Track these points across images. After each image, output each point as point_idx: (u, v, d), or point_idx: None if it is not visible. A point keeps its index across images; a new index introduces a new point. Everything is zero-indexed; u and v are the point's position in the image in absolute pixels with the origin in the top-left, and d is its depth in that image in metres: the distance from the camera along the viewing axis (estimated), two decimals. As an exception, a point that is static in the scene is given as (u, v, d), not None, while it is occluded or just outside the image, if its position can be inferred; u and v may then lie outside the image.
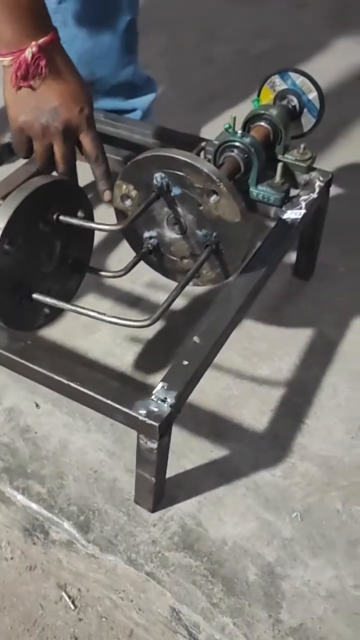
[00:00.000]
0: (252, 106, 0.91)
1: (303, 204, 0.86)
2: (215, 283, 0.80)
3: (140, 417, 0.62)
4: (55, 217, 0.69)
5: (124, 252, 1.09)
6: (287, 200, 0.87)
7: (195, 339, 0.69)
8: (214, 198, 0.70)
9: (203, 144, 0.88)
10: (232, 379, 0.91)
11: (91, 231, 0.78)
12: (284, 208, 0.86)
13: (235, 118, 0.88)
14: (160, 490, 0.74)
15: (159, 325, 0.98)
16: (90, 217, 0.76)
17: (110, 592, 0.75)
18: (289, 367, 0.93)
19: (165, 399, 0.64)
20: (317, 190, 0.89)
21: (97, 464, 0.81)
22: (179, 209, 0.74)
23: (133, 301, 1.02)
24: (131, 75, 1.14)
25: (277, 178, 0.86)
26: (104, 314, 0.66)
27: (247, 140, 0.84)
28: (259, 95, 0.96)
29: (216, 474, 0.80)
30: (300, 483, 0.79)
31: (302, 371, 0.92)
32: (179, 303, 1.01)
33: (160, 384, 0.65)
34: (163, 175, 0.71)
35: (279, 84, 0.95)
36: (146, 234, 0.79)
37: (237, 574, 0.71)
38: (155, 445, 0.64)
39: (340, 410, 0.87)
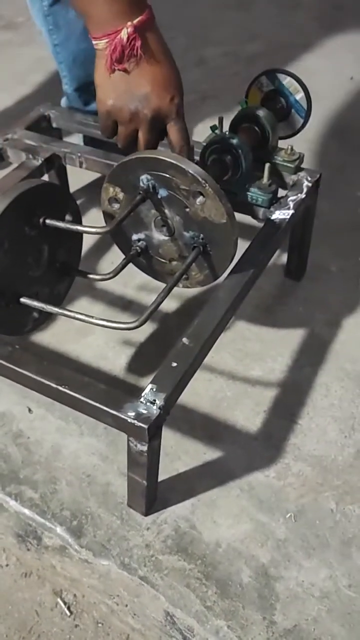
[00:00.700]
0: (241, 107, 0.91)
1: (291, 204, 0.86)
2: (204, 284, 0.79)
3: (129, 420, 0.62)
4: (41, 220, 0.69)
5: (115, 256, 1.09)
6: (275, 201, 0.87)
7: (184, 340, 0.68)
8: (200, 199, 0.70)
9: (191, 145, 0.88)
10: (225, 380, 0.90)
11: (79, 234, 0.78)
12: (272, 209, 0.86)
13: (222, 119, 0.88)
14: (153, 493, 0.74)
15: (151, 328, 0.98)
16: (78, 220, 0.76)
17: (105, 598, 0.74)
18: (281, 367, 0.92)
19: (154, 401, 0.63)
20: (305, 190, 0.89)
21: (90, 468, 0.81)
22: (166, 211, 0.74)
23: (125, 304, 1.02)
24: None
25: (265, 179, 0.86)
26: (92, 317, 0.66)
27: (234, 141, 0.84)
28: (246, 96, 0.96)
29: (210, 476, 0.80)
30: (294, 483, 0.79)
31: (295, 371, 0.92)
32: (172, 305, 1.01)
33: (149, 386, 0.65)
34: (149, 177, 0.71)
35: (267, 84, 0.95)
36: (134, 237, 0.79)
37: (231, 576, 0.71)
38: (145, 448, 0.64)
39: (333, 409, 0.87)
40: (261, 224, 0.86)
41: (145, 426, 0.61)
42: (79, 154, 0.98)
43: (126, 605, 0.73)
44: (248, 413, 0.87)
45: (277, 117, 0.92)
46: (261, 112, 0.89)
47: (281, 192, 0.90)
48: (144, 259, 0.80)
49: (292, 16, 1.85)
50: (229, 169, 0.84)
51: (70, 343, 0.95)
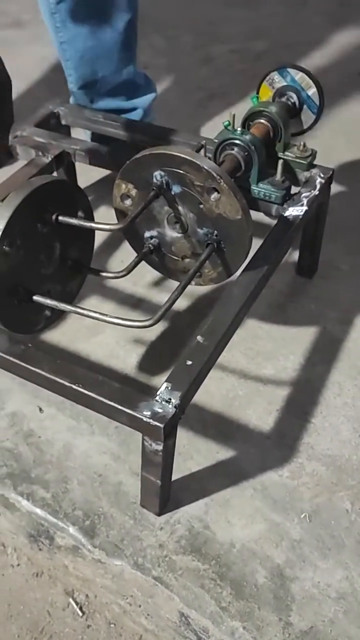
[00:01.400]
0: (252, 104, 0.91)
1: (304, 201, 0.85)
2: (217, 282, 0.79)
3: (145, 419, 0.61)
4: (54, 217, 0.68)
5: (125, 253, 1.08)
6: (288, 198, 0.86)
7: (199, 338, 0.68)
8: (214, 196, 0.69)
9: (203, 142, 0.87)
10: (237, 379, 0.90)
11: (91, 231, 0.77)
12: (285, 205, 0.86)
13: (234, 116, 0.87)
14: (166, 493, 0.73)
15: (162, 326, 0.97)
16: (90, 217, 0.75)
17: (118, 598, 0.74)
18: (294, 365, 0.91)
19: (170, 399, 0.63)
20: (318, 187, 0.88)
21: (102, 468, 0.80)
22: (180, 208, 0.73)
23: (135, 302, 1.01)
24: (132, 74, 1.14)
25: (278, 175, 0.85)
26: (106, 315, 0.65)
27: (247, 137, 0.83)
28: (257, 93, 0.95)
29: (223, 475, 0.79)
30: (308, 483, 0.78)
31: (307, 370, 0.91)
32: (183, 303, 1.00)
33: (164, 385, 0.64)
34: (162, 173, 0.71)
35: (278, 80, 0.94)
36: (147, 234, 0.78)
37: (246, 577, 0.70)
38: (160, 447, 0.63)
39: (346, 408, 0.86)
40: (273, 221, 0.86)
41: (161, 425, 0.61)
42: (89, 151, 0.98)
43: (139, 606, 0.72)
44: (260, 412, 0.86)
45: (289, 113, 0.92)
46: (273, 108, 0.88)
47: (293, 189, 0.89)
48: (156, 256, 0.80)
49: (299, 13, 1.84)
50: (242, 165, 0.83)
51: (81, 342, 0.95)
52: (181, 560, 0.71)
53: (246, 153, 0.83)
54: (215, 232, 0.72)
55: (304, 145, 0.89)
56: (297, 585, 0.70)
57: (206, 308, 0.99)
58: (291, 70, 0.93)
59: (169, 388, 0.64)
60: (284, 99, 0.93)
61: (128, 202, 0.76)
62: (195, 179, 0.69)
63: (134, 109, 1.19)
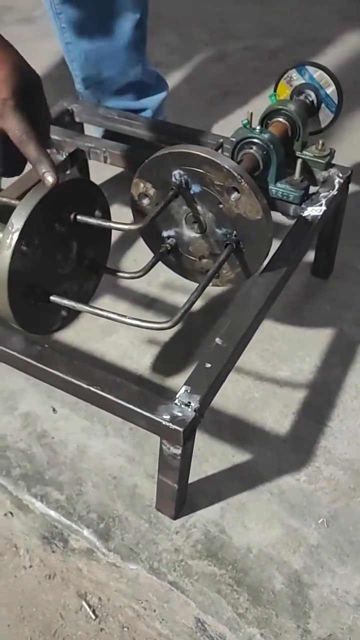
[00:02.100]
0: (267, 102, 0.89)
1: (323, 201, 0.84)
2: (235, 283, 0.77)
3: (164, 422, 0.60)
4: (72, 216, 0.67)
5: (138, 252, 1.07)
6: (307, 198, 0.85)
7: (218, 340, 0.67)
8: (234, 195, 0.68)
9: (220, 140, 0.86)
10: (252, 381, 0.89)
11: (108, 231, 0.76)
12: (303, 205, 0.84)
13: (252, 114, 0.86)
14: (183, 496, 0.72)
15: (176, 327, 0.95)
16: (107, 217, 0.74)
17: (132, 602, 0.73)
18: (310, 368, 0.90)
19: (189, 403, 0.62)
20: (336, 186, 0.87)
21: (117, 470, 0.79)
22: (198, 207, 0.72)
23: (149, 302, 1.00)
24: (140, 75, 1.12)
25: (297, 175, 0.84)
26: (125, 316, 0.64)
27: (265, 136, 0.82)
28: (275, 90, 0.94)
29: (239, 479, 0.78)
30: (326, 488, 0.77)
31: (324, 372, 0.90)
32: (197, 303, 0.98)
33: (183, 388, 0.63)
34: (182, 172, 0.70)
35: (296, 78, 0.93)
36: (164, 234, 0.77)
37: (263, 583, 0.69)
38: (179, 451, 0.62)
39: (364, 412, 0.85)
40: (289, 221, 0.84)
41: (181, 429, 0.60)
42: (104, 149, 0.97)
43: (154, 611, 0.71)
44: (277, 415, 0.85)
45: (307, 111, 0.90)
46: (292, 107, 0.87)
47: (311, 189, 0.88)
48: (173, 256, 0.79)
49: (313, 10, 1.82)
50: (260, 164, 0.82)
51: (95, 342, 0.94)
52: (197, 565, 0.71)
53: (265, 152, 0.82)
54: (235, 232, 0.71)
55: (323, 145, 0.88)
56: (315, 592, 0.69)
57: (220, 308, 0.98)
58: (310, 68, 0.91)
59: (188, 391, 0.63)
60: (302, 97, 0.92)
61: (146, 201, 0.75)
62: (215, 179, 0.68)
63: (143, 109, 1.18)
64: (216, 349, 0.66)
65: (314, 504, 0.75)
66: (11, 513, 0.78)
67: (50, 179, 0.64)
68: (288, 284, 0.92)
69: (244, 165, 0.80)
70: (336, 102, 0.91)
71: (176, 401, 0.62)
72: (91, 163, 1.05)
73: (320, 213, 0.83)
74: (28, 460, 0.81)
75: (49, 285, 0.69)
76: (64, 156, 0.96)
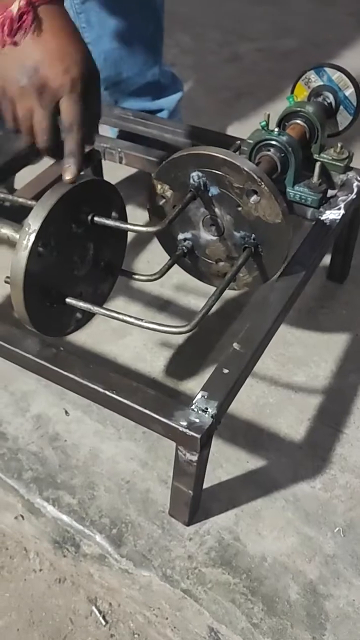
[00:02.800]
0: (281, 103, 0.88)
1: (342, 205, 0.83)
2: (252, 287, 0.76)
3: (181, 429, 0.59)
4: (89, 218, 0.66)
5: (151, 254, 1.06)
6: (325, 201, 0.84)
7: (235, 346, 0.66)
8: (254, 198, 0.67)
9: (238, 142, 0.85)
10: (267, 386, 0.87)
11: (124, 233, 0.75)
12: (321, 209, 0.83)
13: (269, 116, 0.85)
14: (197, 503, 0.71)
15: (189, 330, 0.95)
16: (124, 218, 0.73)
17: (143, 609, 0.72)
18: (325, 373, 0.89)
19: (207, 409, 0.61)
20: (355, 190, 0.85)
21: (129, 474, 0.78)
22: (216, 210, 0.71)
23: (162, 304, 0.99)
24: (157, 75, 1.12)
25: (315, 178, 0.83)
26: (142, 320, 0.64)
27: (284, 138, 0.80)
28: (292, 92, 0.93)
29: (253, 485, 0.77)
30: (342, 496, 0.76)
31: (340, 378, 0.89)
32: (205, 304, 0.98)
33: (200, 394, 0.62)
34: (200, 174, 0.69)
35: (314, 80, 0.91)
36: (180, 236, 0.76)
37: (278, 593, 0.68)
38: (195, 458, 0.61)
39: (381, 419, 0.84)
40: (308, 225, 0.83)
41: (198, 436, 0.59)
42: (119, 150, 0.96)
43: (166, 618, 0.70)
44: (292, 421, 0.84)
45: (325, 113, 0.89)
46: (310, 109, 0.86)
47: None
48: (189, 259, 0.78)
49: (327, 12, 1.81)
50: (278, 167, 0.80)
51: (107, 344, 0.93)
52: (211, 573, 0.69)
53: (283, 155, 0.81)
54: (253, 235, 0.70)
55: (341, 147, 0.87)
56: (331, 602, 0.67)
57: (235, 311, 0.97)
58: (328, 70, 0.90)
59: (205, 397, 0.62)
60: (320, 99, 0.91)
61: (163, 203, 0.74)
62: (235, 181, 0.67)
63: (159, 110, 1.17)
64: (234, 354, 0.65)
65: (329, 512, 0.74)
66: (22, 516, 0.78)
67: (69, 175, 0.64)
68: (303, 288, 0.91)
69: (262, 167, 0.79)
70: (355, 104, 0.90)
71: (193, 407, 0.61)
72: (104, 163, 1.05)
73: (339, 217, 0.81)
74: (40, 463, 0.80)
75: (65, 287, 0.68)
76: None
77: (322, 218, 0.82)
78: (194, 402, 0.62)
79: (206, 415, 0.60)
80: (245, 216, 0.69)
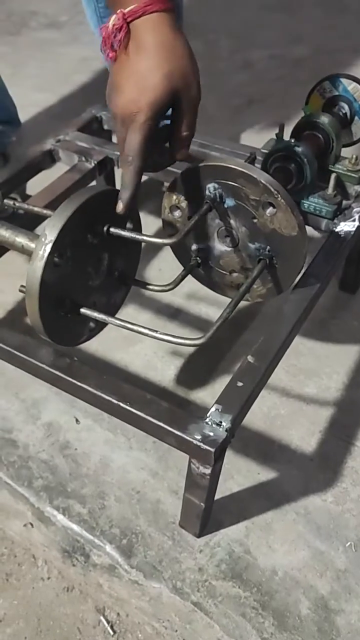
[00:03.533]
0: (293, 111, 0.88)
1: (357, 217, 0.82)
2: (266, 298, 0.76)
3: (195, 442, 0.59)
4: (105, 228, 0.66)
5: (163, 262, 1.06)
6: (339, 213, 0.83)
7: (250, 358, 0.65)
8: (270, 210, 0.67)
9: (252, 153, 0.85)
10: (278, 397, 0.87)
11: (139, 243, 0.75)
12: (336, 220, 0.83)
13: (283, 126, 0.85)
14: (208, 515, 0.71)
15: (200, 339, 0.94)
16: (138, 229, 0.73)
17: (152, 620, 0.72)
18: (337, 385, 0.89)
19: (221, 422, 0.60)
20: (370, 201, 0.85)
21: (140, 484, 0.78)
22: (232, 221, 0.71)
23: (173, 313, 0.99)
24: None
25: (330, 189, 0.83)
26: (156, 331, 0.63)
27: (299, 149, 0.80)
28: (307, 102, 0.93)
29: (264, 497, 0.77)
30: (353, 510, 0.75)
31: (351, 390, 0.88)
32: (218, 316, 0.98)
33: (214, 407, 0.62)
34: (216, 185, 0.68)
35: (330, 90, 0.91)
36: (195, 246, 0.76)
37: (289, 607, 0.68)
38: (208, 471, 0.61)
39: (393, 432, 0.83)
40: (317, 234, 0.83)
41: (212, 449, 0.58)
42: (133, 158, 0.96)
43: (176, 631, 0.70)
44: (303, 432, 0.83)
45: (340, 124, 0.89)
46: (325, 119, 0.85)
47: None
48: (202, 269, 0.77)
49: (339, 20, 1.80)
50: (293, 178, 0.80)
51: (118, 351, 0.93)
52: (221, 586, 0.69)
53: (298, 165, 0.80)
54: (268, 247, 0.70)
55: (356, 158, 0.86)
56: (343, 618, 0.67)
57: (246, 321, 0.97)
58: (344, 80, 0.90)
59: (220, 410, 0.61)
60: (335, 109, 0.90)
61: (177, 213, 0.74)
62: (251, 193, 0.67)
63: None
64: (248, 367, 0.65)
65: (341, 526, 0.74)
66: (31, 524, 0.78)
67: (120, 207, 0.64)
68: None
69: (276, 178, 0.79)
70: (370, 115, 0.89)
71: (207, 420, 0.61)
72: (116, 170, 1.05)
73: (354, 229, 0.81)
74: (50, 471, 0.80)
75: (79, 297, 0.68)
76: (93, 164, 0.95)
77: (336, 230, 0.82)
78: (208, 415, 0.61)
79: (220, 428, 0.60)
80: (261, 228, 0.69)
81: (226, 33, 1.74)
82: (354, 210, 0.83)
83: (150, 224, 1.02)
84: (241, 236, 0.72)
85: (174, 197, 0.73)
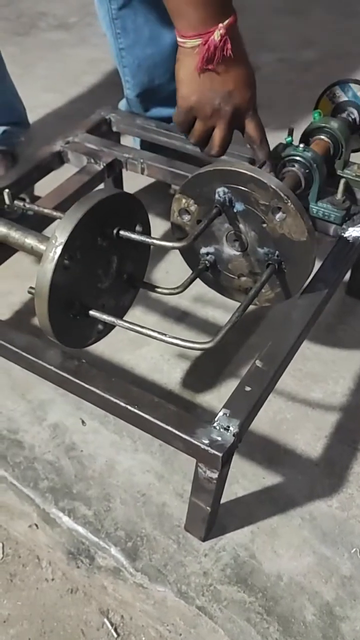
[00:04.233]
0: (301, 115, 0.88)
1: (365, 222, 0.82)
2: (274, 303, 0.76)
3: (203, 446, 0.59)
4: (115, 231, 0.67)
5: (170, 264, 1.06)
6: (348, 218, 0.83)
7: (258, 363, 0.65)
8: (279, 215, 0.67)
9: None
10: (284, 401, 0.87)
11: (147, 246, 0.75)
12: (344, 226, 0.83)
13: (292, 130, 0.85)
14: (214, 519, 0.71)
15: (207, 342, 0.94)
16: (147, 232, 0.73)
17: (156, 623, 0.72)
18: (343, 390, 0.89)
19: (228, 427, 0.60)
20: (378, 207, 0.85)
21: (145, 487, 0.78)
22: (241, 226, 0.71)
23: (179, 316, 0.99)
24: None
25: (339, 195, 0.83)
26: (165, 334, 0.63)
27: (308, 154, 0.80)
28: (316, 107, 0.93)
29: (269, 502, 0.76)
30: (359, 516, 0.75)
31: (358, 395, 0.88)
32: (226, 318, 0.97)
33: (222, 411, 0.62)
34: (226, 190, 0.69)
35: (339, 95, 0.91)
36: (203, 250, 0.76)
37: (294, 613, 0.67)
38: (215, 475, 0.61)
39: None
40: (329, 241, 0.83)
41: (220, 454, 0.58)
42: (142, 160, 0.96)
43: (180, 634, 0.70)
44: (309, 437, 0.83)
45: (350, 129, 0.89)
46: (335, 124, 0.86)
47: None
48: (210, 273, 0.77)
49: (348, 23, 1.80)
50: (302, 183, 0.80)
51: (125, 353, 0.93)
52: (226, 591, 0.69)
53: (307, 170, 0.80)
54: (277, 252, 0.70)
55: (365, 164, 0.86)
56: (348, 625, 0.67)
57: (252, 325, 0.97)
58: (354, 86, 0.90)
59: (227, 415, 0.61)
60: (344, 115, 0.90)
61: (186, 217, 0.74)
62: (261, 198, 0.67)
63: None
64: (256, 371, 0.65)
65: (346, 532, 0.74)
66: (36, 525, 0.78)
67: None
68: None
69: (285, 183, 0.79)
70: (380, 121, 0.89)
71: (215, 424, 0.61)
72: (128, 174, 1.05)
73: (362, 234, 0.81)
74: (56, 472, 0.80)
75: (88, 299, 0.68)
76: (102, 166, 0.95)
77: (344, 235, 0.81)
78: (215, 419, 0.61)
79: (228, 433, 0.60)
80: (270, 233, 0.69)
81: (235, 36, 1.74)
82: (363, 215, 0.83)
83: (156, 227, 1.02)
84: (250, 240, 0.72)
85: (184, 200, 0.73)
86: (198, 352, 0.93)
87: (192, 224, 0.74)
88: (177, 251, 0.77)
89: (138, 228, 0.71)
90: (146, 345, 0.93)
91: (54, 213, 0.72)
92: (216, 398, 0.87)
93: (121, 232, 0.67)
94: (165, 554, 0.72)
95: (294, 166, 0.81)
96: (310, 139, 0.87)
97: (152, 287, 0.75)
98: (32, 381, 0.87)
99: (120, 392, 0.64)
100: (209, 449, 0.59)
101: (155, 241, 0.67)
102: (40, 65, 1.63)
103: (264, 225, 0.69)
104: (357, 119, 0.90)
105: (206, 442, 0.59)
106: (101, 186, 0.99)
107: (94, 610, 0.76)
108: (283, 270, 0.71)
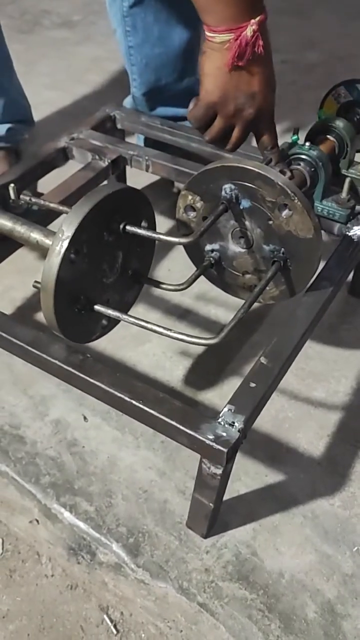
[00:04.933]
0: (304, 115, 0.89)
1: (369, 221, 0.83)
2: (278, 300, 0.76)
3: (207, 442, 0.59)
4: (121, 226, 0.67)
5: (172, 262, 1.06)
6: (353, 217, 0.84)
7: (263, 360, 0.65)
8: (286, 213, 0.67)
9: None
10: (286, 400, 0.87)
11: (152, 242, 0.75)
12: (349, 225, 0.83)
13: (298, 129, 0.85)
14: (216, 516, 0.71)
15: (209, 340, 0.94)
16: (153, 227, 0.73)
17: (157, 620, 0.71)
18: (345, 389, 0.89)
19: (233, 423, 0.60)
20: (383, 206, 0.85)
21: (147, 484, 0.78)
22: (247, 223, 0.71)
23: (182, 313, 0.99)
24: (193, 83, 1.12)
25: (344, 194, 0.83)
26: (170, 330, 0.63)
27: (314, 153, 0.80)
28: (322, 107, 0.93)
29: (272, 499, 0.76)
30: (361, 515, 0.75)
31: (360, 395, 0.88)
32: (230, 317, 0.97)
33: (227, 407, 0.62)
34: (233, 186, 0.69)
35: (345, 95, 0.91)
36: (208, 247, 0.76)
37: (296, 610, 0.67)
38: (219, 471, 0.61)
39: None
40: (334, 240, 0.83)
41: (225, 450, 0.58)
42: (147, 157, 0.96)
43: (181, 631, 0.70)
44: (311, 436, 0.83)
45: (355, 129, 0.89)
46: (340, 124, 0.86)
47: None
48: (215, 270, 0.77)
49: (352, 24, 1.81)
50: (308, 181, 0.80)
51: (127, 350, 0.93)
52: (228, 588, 0.69)
53: (312, 169, 0.81)
54: (283, 249, 0.70)
55: (370, 163, 0.87)
56: (349, 623, 0.67)
57: (254, 322, 0.97)
58: (359, 86, 0.90)
59: (232, 410, 0.61)
60: (349, 115, 0.91)
61: (192, 214, 0.74)
62: (267, 195, 0.67)
63: None
64: (261, 368, 0.65)
65: (348, 531, 0.74)
66: (37, 520, 0.77)
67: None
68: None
69: (293, 181, 0.79)
70: (385, 121, 0.90)
71: (220, 420, 0.61)
72: (133, 171, 1.05)
73: (367, 233, 0.81)
74: (58, 468, 0.79)
75: (93, 294, 0.68)
76: (106, 163, 0.95)
77: (349, 234, 0.82)
78: (220, 415, 0.61)
79: (233, 429, 0.60)
80: (276, 230, 0.69)
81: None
82: (367, 215, 0.84)
83: (159, 224, 1.02)
84: (256, 238, 0.72)
85: (190, 197, 0.73)
86: (200, 350, 0.93)
87: (197, 221, 0.74)
88: (179, 249, 0.77)
89: (144, 224, 0.71)
90: (148, 342, 0.93)
91: (60, 207, 0.72)
92: (218, 395, 0.87)
93: (127, 227, 0.66)
94: (166, 550, 0.72)
95: (299, 164, 0.81)
96: (315, 137, 0.87)
97: (157, 283, 0.75)
98: (34, 377, 0.87)
99: (125, 387, 0.64)
100: (214, 444, 0.59)
101: (161, 237, 0.67)
102: (44, 63, 1.63)
103: (270, 222, 0.69)
104: (363, 119, 0.90)
105: (211, 437, 0.59)
106: (105, 183, 0.99)
107: (94, 606, 0.75)
108: (288, 268, 0.71)
